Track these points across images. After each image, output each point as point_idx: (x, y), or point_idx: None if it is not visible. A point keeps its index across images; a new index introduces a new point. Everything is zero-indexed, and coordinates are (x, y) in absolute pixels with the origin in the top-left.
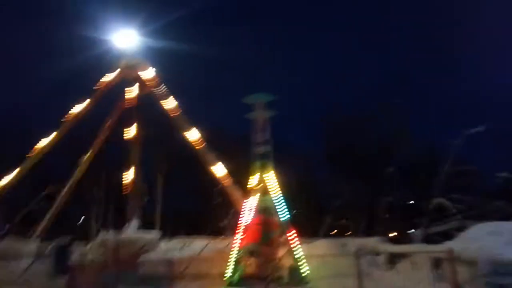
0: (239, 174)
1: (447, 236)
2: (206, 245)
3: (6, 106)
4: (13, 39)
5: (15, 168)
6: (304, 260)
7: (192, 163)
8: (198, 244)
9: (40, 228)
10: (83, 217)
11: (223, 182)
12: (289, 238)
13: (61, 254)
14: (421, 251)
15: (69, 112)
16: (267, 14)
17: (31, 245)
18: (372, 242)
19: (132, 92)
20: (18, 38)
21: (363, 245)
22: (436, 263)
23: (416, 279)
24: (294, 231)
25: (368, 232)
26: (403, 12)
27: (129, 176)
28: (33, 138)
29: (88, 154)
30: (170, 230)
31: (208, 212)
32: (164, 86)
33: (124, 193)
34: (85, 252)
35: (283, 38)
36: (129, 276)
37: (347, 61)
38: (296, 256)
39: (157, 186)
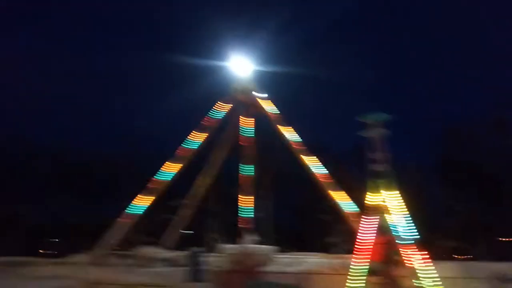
0: (351, 192)
1: None
2: (329, 262)
3: (136, 134)
4: (135, 71)
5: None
6: (436, 282)
7: (299, 181)
8: (311, 260)
9: (170, 238)
10: (188, 231)
11: (332, 199)
12: (416, 258)
13: (196, 262)
14: None
15: (191, 137)
16: (374, 30)
17: (163, 253)
18: (507, 267)
19: (247, 115)
20: (140, 70)
21: (496, 269)
22: None
23: None
24: (425, 251)
25: (489, 255)
26: None
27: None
28: (160, 160)
29: (209, 172)
30: (280, 245)
31: (315, 229)
32: (277, 108)
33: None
34: (217, 261)
35: (393, 54)
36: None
37: (464, 75)
38: (425, 277)
39: (267, 202)
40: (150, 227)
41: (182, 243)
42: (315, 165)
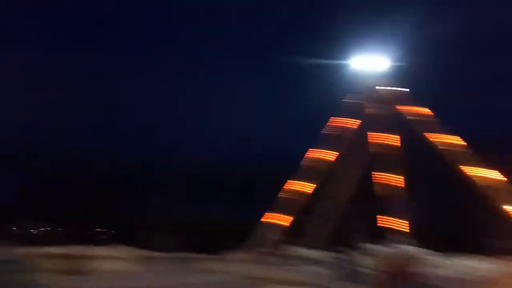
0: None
1: None
2: (488, 265)
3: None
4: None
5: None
6: None
7: (447, 178)
8: (466, 262)
9: (317, 237)
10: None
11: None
12: None
13: (346, 262)
14: None
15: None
16: None
17: (311, 253)
18: None
19: (386, 110)
20: (257, 75)
21: None
22: None
23: None
24: None
25: None
26: None
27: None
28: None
29: (353, 172)
30: (432, 247)
31: (468, 229)
32: (416, 99)
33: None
34: (367, 263)
35: None
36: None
37: None
38: None
39: (419, 203)
40: (297, 227)
41: (330, 243)
42: (453, 140)
